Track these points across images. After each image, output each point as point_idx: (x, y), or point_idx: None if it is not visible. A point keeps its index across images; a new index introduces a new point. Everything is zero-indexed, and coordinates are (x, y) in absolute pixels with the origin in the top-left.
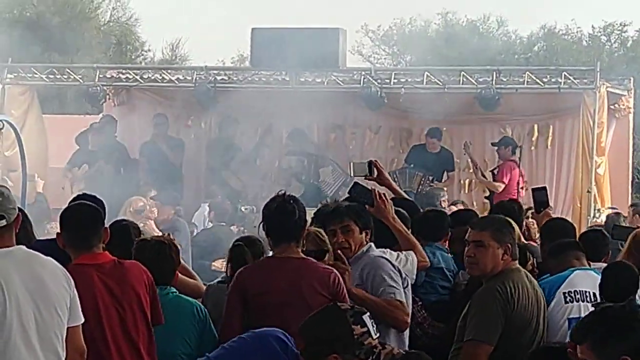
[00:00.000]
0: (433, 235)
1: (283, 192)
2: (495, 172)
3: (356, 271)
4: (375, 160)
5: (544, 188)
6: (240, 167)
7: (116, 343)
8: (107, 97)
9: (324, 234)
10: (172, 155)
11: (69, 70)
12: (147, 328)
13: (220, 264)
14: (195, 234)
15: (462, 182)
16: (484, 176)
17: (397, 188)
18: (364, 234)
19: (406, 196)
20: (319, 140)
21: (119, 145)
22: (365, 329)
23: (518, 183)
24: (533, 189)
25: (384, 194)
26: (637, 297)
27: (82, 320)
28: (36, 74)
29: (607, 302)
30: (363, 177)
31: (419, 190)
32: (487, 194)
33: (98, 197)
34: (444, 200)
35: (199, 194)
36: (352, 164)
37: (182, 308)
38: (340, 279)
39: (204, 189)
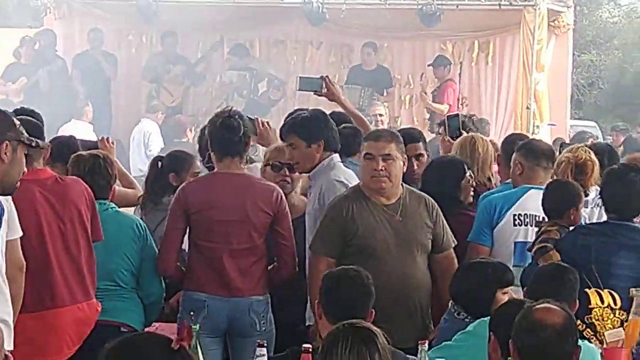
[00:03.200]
0: (347, 150)
1: (229, 108)
2: (435, 94)
3: (316, 190)
4: (327, 76)
5: (457, 115)
6: (180, 81)
7: (57, 258)
8: (48, 10)
9: None
10: (108, 67)
11: None
12: (88, 244)
13: None
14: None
15: (402, 97)
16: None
17: (348, 104)
18: (313, 147)
19: (358, 112)
20: (260, 55)
21: (59, 59)
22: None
23: (459, 99)
24: (447, 116)
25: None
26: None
27: (21, 233)
28: None
29: (549, 219)
30: (312, 93)
31: (360, 104)
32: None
33: (37, 111)
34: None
35: (139, 109)
36: (298, 78)
37: (122, 224)
38: (283, 195)
39: (144, 104)
